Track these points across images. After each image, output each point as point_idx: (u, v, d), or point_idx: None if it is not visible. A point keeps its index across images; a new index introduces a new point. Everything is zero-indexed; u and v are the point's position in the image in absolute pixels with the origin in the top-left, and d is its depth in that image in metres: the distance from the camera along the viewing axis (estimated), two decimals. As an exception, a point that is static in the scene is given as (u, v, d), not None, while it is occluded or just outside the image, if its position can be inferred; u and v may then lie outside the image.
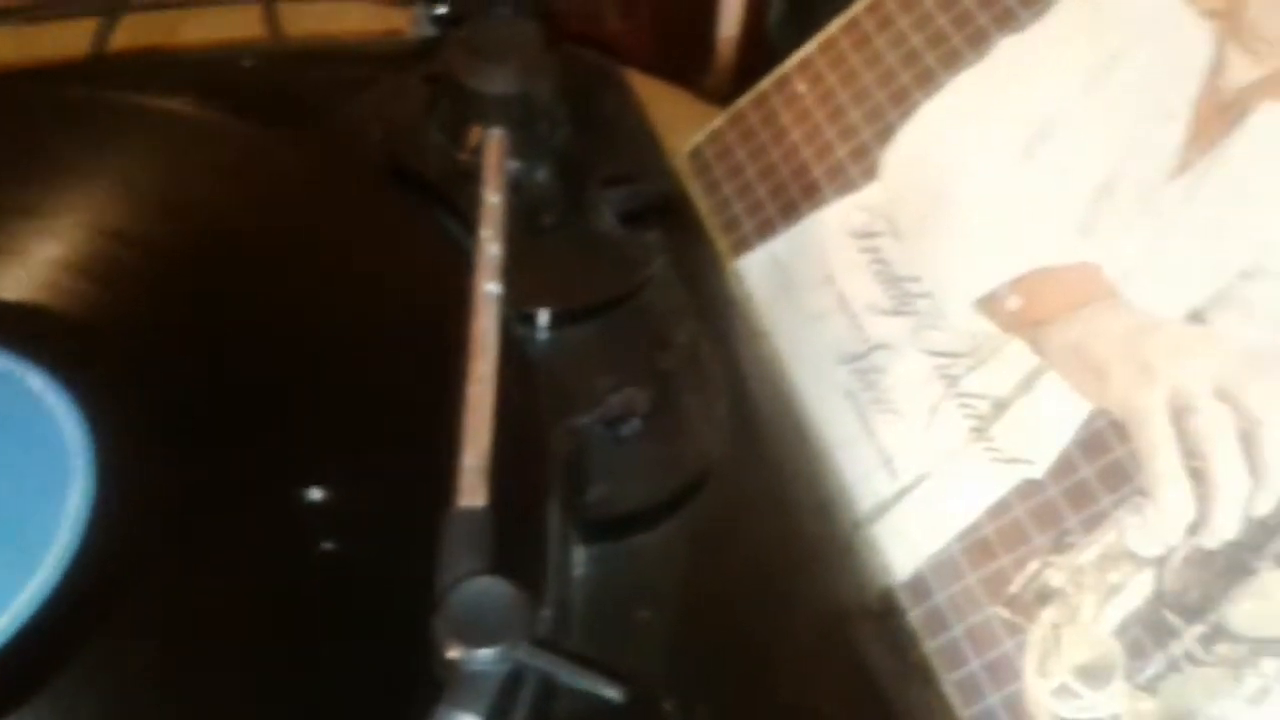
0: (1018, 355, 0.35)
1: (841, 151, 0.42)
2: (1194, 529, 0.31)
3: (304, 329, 0.34)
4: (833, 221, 0.41)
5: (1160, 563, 0.31)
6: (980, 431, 0.35)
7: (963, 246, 0.37)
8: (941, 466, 0.36)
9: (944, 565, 0.35)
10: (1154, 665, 0.30)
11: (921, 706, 0.33)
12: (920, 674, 0.34)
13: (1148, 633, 0.31)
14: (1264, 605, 0.30)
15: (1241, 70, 0.34)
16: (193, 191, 0.37)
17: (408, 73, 0.41)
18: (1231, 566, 0.30)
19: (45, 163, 0.37)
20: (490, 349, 0.29)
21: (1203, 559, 0.31)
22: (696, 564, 0.32)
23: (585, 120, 0.41)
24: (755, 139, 0.45)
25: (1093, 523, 0.32)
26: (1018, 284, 0.36)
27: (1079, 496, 0.33)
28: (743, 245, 0.43)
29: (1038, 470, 0.34)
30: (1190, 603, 0.30)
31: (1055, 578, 0.33)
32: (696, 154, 0.46)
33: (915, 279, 0.38)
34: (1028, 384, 0.35)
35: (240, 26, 0.48)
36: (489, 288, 0.30)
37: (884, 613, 0.35)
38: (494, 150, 0.33)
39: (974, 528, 0.34)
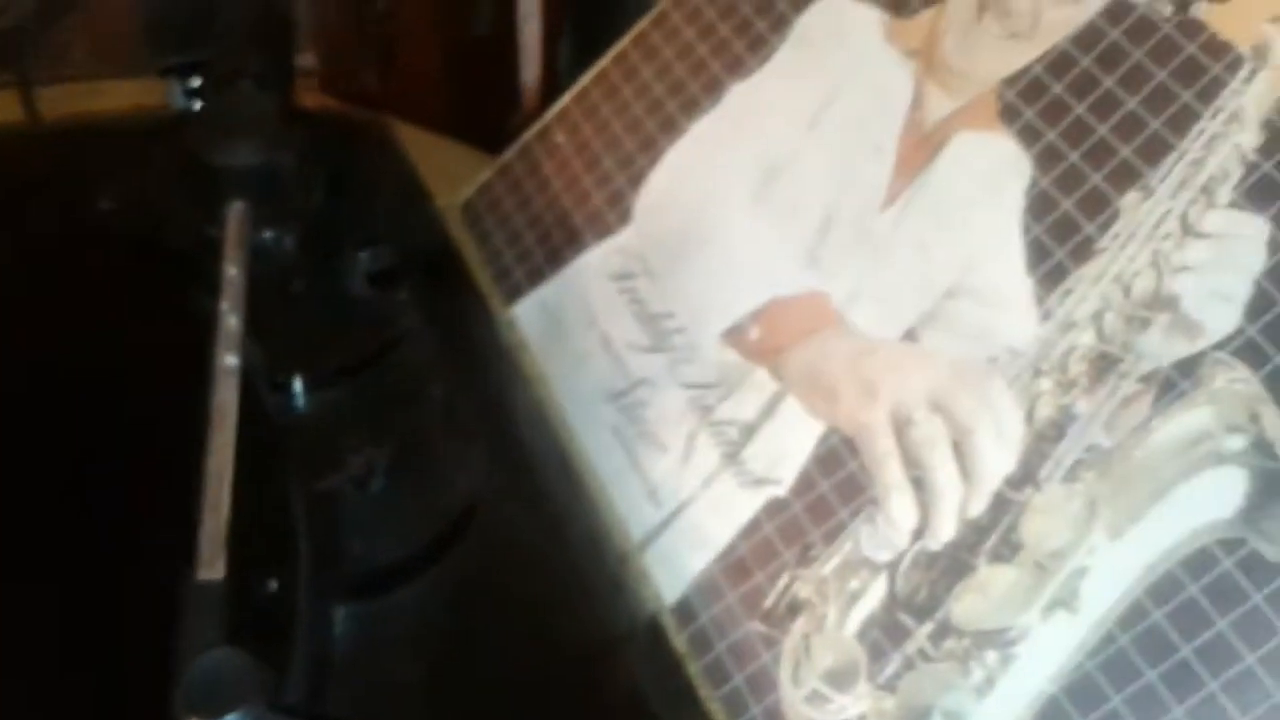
0: (761, 382, 0.37)
1: (598, 198, 0.44)
2: (919, 533, 0.33)
3: (60, 400, 0.34)
4: (594, 265, 0.43)
5: (892, 567, 0.34)
6: (731, 457, 0.37)
7: (708, 283, 0.40)
8: (700, 493, 0.38)
9: (706, 587, 0.36)
10: (892, 664, 0.33)
11: (692, 727, 0.34)
12: (689, 695, 0.35)
13: (885, 634, 0.33)
14: (982, 600, 0.32)
15: (938, 104, 0.37)
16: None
17: (164, 147, 0.41)
18: (952, 566, 0.33)
19: None
20: (229, 421, 0.30)
21: (928, 560, 0.33)
22: (462, 610, 0.33)
23: (351, 180, 0.42)
24: (521, 190, 0.46)
25: (832, 534, 0.35)
26: (757, 316, 0.38)
27: (819, 511, 0.35)
28: (515, 293, 0.45)
29: (783, 489, 0.36)
30: (920, 603, 0.33)
31: (803, 589, 0.35)
32: (469, 207, 0.48)
33: (669, 315, 0.40)
34: (771, 409, 0.37)
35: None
36: (227, 360, 0.31)
37: (653, 639, 0.36)
38: (235, 224, 0.34)
39: (731, 548, 0.36)
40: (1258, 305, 0.30)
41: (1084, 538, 0.31)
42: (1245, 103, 0.32)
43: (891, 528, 0.34)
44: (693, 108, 0.42)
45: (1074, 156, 0.34)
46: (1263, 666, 0.28)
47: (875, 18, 0.39)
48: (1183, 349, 0.31)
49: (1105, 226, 0.33)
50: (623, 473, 0.39)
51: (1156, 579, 0.29)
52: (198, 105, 0.42)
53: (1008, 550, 0.32)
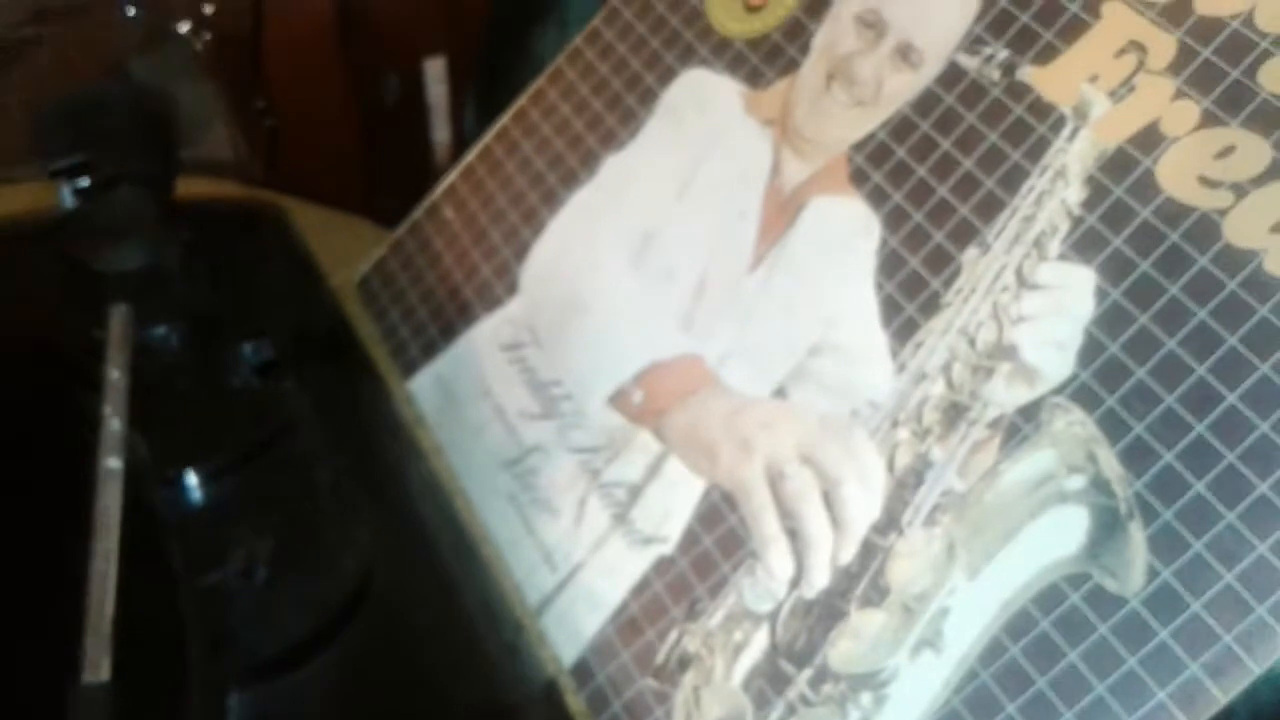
0: (645, 444, 0.39)
1: (487, 270, 0.45)
2: (795, 582, 0.35)
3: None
4: (485, 336, 0.44)
5: (773, 617, 0.35)
6: (620, 518, 0.39)
7: (592, 350, 0.41)
8: (592, 555, 0.39)
9: (602, 647, 0.38)
10: (776, 711, 0.34)
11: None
12: (588, 754, 0.36)
13: (768, 682, 0.34)
14: (855, 643, 0.33)
15: (795, 170, 0.39)
16: None
17: (51, 250, 0.42)
18: (827, 612, 0.34)
19: None
20: (112, 524, 0.30)
21: (804, 608, 0.34)
22: (360, 688, 0.34)
23: (241, 268, 0.43)
24: (414, 265, 0.48)
25: (717, 588, 0.36)
26: (639, 379, 0.40)
27: (704, 566, 0.36)
28: (411, 368, 0.46)
29: (669, 546, 0.37)
30: (799, 650, 0.34)
31: (691, 643, 0.36)
32: (365, 283, 0.49)
33: (558, 383, 0.42)
34: (655, 469, 0.39)
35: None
36: (110, 463, 0.32)
37: (552, 701, 0.37)
38: (118, 326, 0.35)
39: (623, 607, 0.38)
40: (1088, 351, 0.32)
41: (945, 579, 0.32)
42: (1069, 160, 0.34)
43: (770, 578, 0.35)
44: (571, 179, 0.44)
45: (918, 216, 0.36)
46: (1111, 695, 0.29)
47: (735, 89, 0.41)
48: (1024, 395, 0.32)
49: (949, 282, 0.35)
50: (518, 539, 0.41)
51: (1012, 615, 0.31)
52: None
53: (876, 594, 0.33)
